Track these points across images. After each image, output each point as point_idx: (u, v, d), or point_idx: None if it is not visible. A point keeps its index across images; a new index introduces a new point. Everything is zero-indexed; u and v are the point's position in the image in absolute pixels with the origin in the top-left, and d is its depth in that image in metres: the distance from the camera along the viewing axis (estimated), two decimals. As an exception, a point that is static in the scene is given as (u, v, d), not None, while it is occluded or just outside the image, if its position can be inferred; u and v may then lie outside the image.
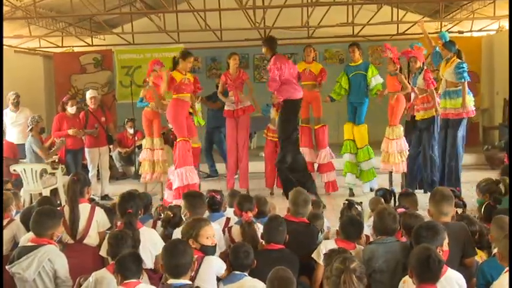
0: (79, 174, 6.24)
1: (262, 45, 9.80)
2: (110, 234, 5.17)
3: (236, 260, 4.75)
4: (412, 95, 10.14)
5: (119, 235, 4.95)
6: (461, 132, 9.33)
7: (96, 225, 5.79)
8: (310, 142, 11.02)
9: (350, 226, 5.31)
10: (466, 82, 9.10)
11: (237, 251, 4.81)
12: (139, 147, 12.74)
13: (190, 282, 4.13)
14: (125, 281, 4.25)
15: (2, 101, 9.30)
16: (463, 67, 9.05)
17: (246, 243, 5.07)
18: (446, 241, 4.52)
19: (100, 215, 5.88)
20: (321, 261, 5.02)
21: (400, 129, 10.35)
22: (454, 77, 9.10)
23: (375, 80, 10.46)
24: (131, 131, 13.06)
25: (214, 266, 4.77)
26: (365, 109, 10.68)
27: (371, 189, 10.53)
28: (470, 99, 9.19)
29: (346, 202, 6.52)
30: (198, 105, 10.55)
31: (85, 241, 5.72)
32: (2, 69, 9.54)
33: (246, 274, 4.69)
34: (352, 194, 10.67)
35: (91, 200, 7.56)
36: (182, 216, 5.88)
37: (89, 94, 11.44)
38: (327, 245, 5.09)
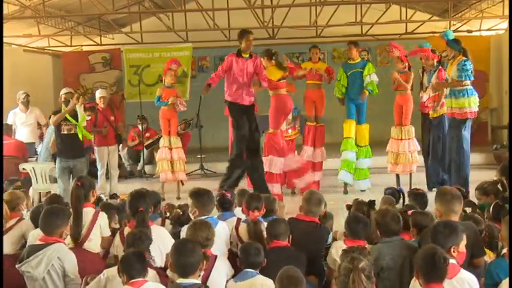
0: (83, 178, 6.12)
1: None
2: (129, 232, 5.15)
3: (247, 258, 4.72)
4: (426, 95, 10.07)
5: (137, 234, 4.93)
6: (467, 132, 9.26)
7: (98, 229, 5.71)
8: (313, 141, 10.97)
9: (356, 223, 5.30)
10: (467, 81, 9.03)
11: (248, 249, 4.80)
12: (148, 146, 12.76)
13: (198, 282, 4.13)
14: (131, 280, 4.25)
15: (2, 100, 9.31)
16: (466, 65, 8.96)
17: (256, 241, 5.07)
18: (463, 243, 4.48)
19: (103, 220, 5.80)
20: (334, 266, 5.03)
21: (412, 129, 10.32)
22: (457, 75, 9.06)
23: (370, 77, 10.43)
24: (140, 127, 13.08)
25: (226, 265, 4.77)
26: (365, 107, 10.71)
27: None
28: (474, 99, 9.12)
29: (367, 202, 6.44)
30: (79, 109, 9.65)
31: (85, 245, 5.60)
32: (2, 69, 9.56)
33: (258, 272, 4.67)
34: (346, 192, 10.69)
35: (99, 199, 7.61)
36: (190, 214, 5.88)
37: (98, 94, 11.47)
38: (337, 248, 5.08)
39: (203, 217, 5.47)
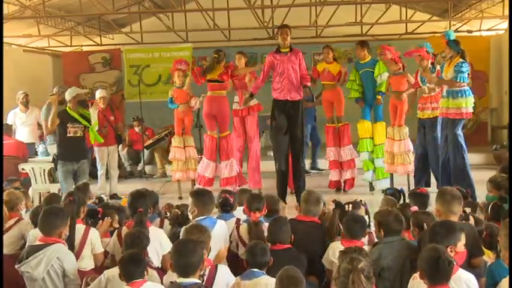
0: (74, 194, 6.09)
1: None
2: (127, 233, 5.14)
3: (254, 258, 4.70)
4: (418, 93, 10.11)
5: (135, 234, 4.93)
6: (460, 131, 9.23)
7: (90, 246, 5.55)
8: (336, 141, 10.99)
9: (354, 224, 5.25)
10: (461, 82, 9.00)
11: (254, 249, 4.76)
12: (148, 147, 12.75)
13: (199, 281, 4.13)
14: (131, 281, 4.26)
15: (2, 99, 9.28)
16: (462, 67, 8.93)
17: (262, 241, 5.04)
18: (461, 243, 4.49)
19: (94, 236, 5.64)
20: (331, 267, 5.03)
21: (406, 130, 10.31)
22: (453, 76, 9.05)
23: (381, 77, 10.37)
24: (137, 129, 13.08)
25: (227, 276, 4.76)
26: (380, 106, 10.63)
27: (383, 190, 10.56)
28: (471, 100, 9.10)
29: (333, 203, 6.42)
30: (92, 113, 9.71)
31: (77, 263, 5.39)
32: (2, 68, 9.53)
33: (264, 272, 4.64)
34: (372, 189, 10.71)
35: (100, 199, 7.59)
36: (189, 213, 5.87)
37: (98, 94, 11.41)
38: (334, 249, 5.07)
39: (202, 217, 5.47)
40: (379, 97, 10.47)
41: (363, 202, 6.48)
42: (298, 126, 9.50)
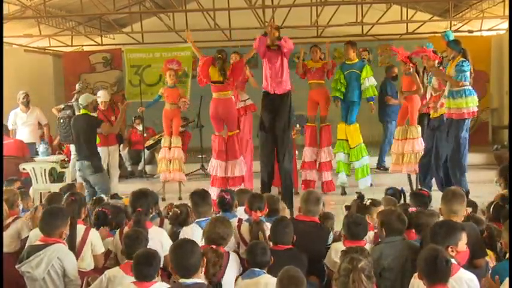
0: (76, 194, 6.11)
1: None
2: (125, 233, 5.13)
3: (254, 257, 4.70)
4: (428, 94, 10.12)
5: (133, 235, 4.91)
6: (464, 132, 9.22)
7: (90, 247, 5.56)
8: (315, 141, 11.00)
9: (355, 226, 5.21)
10: (463, 82, 8.98)
11: (254, 248, 4.77)
12: (149, 147, 12.75)
13: (201, 281, 4.12)
14: (142, 280, 4.24)
15: (2, 99, 9.28)
16: (463, 66, 8.93)
17: (262, 241, 5.05)
18: (462, 242, 4.47)
19: (95, 236, 5.65)
20: (334, 267, 5.02)
21: (418, 129, 10.31)
22: (455, 75, 9.05)
23: (369, 81, 10.37)
24: (139, 127, 13.07)
25: (237, 263, 4.79)
26: (356, 109, 10.61)
27: (371, 185, 10.64)
28: (472, 99, 9.09)
29: (357, 198, 6.45)
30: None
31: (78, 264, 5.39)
32: (2, 68, 9.53)
33: (265, 271, 4.65)
34: (344, 193, 10.68)
35: (99, 199, 7.60)
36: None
37: (100, 97, 11.29)
38: (336, 250, 5.06)
39: (203, 218, 5.48)
40: (371, 103, 10.46)
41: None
42: (283, 124, 9.47)
